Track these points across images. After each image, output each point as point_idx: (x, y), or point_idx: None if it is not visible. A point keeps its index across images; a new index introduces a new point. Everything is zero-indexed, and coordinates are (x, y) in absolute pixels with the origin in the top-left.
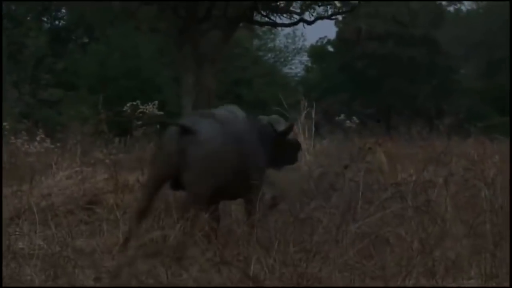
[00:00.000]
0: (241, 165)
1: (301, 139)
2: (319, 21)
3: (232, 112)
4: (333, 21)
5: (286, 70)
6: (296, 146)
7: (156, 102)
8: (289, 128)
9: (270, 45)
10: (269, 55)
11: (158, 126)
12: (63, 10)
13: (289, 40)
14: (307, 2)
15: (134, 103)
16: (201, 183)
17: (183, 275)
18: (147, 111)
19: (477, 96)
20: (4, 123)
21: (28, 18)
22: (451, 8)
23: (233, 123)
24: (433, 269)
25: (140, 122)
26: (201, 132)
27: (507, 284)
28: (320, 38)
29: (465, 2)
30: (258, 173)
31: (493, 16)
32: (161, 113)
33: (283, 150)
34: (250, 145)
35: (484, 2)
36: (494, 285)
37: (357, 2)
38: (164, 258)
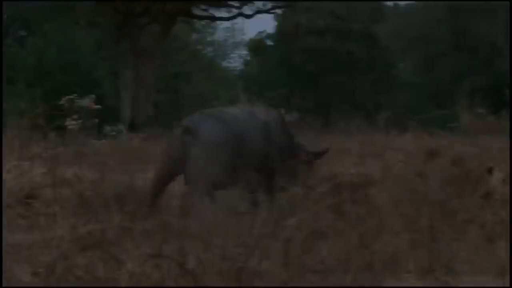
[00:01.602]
0: (241, 161)
1: None
2: (258, 15)
3: (250, 114)
4: (272, 15)
5: (225, 64)
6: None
7: (93, 96)
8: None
9: (209, 39)
10: (208, 49)
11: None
12: None
13: (228, 34)
14: None
15: (71, 97)
16: (200, 179)
17: (121, 269)
18: (84, 105)
19: (415, 90)
20: None
21: None
22: (390, 3)
23: (239, 122)
24: (372, 263)
25: (76, 116)
26: (201, 133)
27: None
28: (259, 32)
29: None
30: (265, 168)
31: (431, 11)
32: (99, 107)
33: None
34: (255, 143)
35: None
36: (431, 279)
37: None
38: (102, 252)
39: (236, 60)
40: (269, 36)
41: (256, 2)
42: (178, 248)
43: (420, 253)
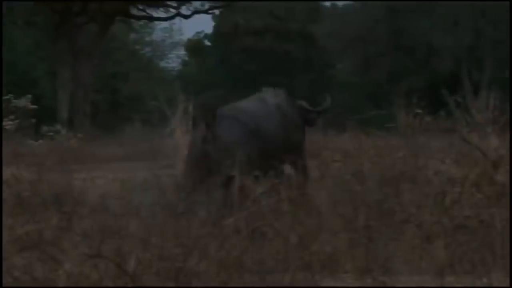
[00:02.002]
0: (265, 150)
1: (178, 133)
2: (196, 15)
3: (261, 101)
4: (210, 16)
5: (163, 64)
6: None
7: (30, 96)
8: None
9: (147, 39)
10: (146, 49)
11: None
12: None
13: (166, 34)
14: None
15: (7, 97)
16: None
17: (59, 270)
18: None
19: (352, 90)
20: None
21: None
22: (328, 3)
23: (256, 117)
24: (310, 263)
25: (13, 116)
26: (221, 138)
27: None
28: (197, 33)
29: None
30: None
31: (368, 12)
32: (36, 107)
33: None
34: (272, 129)
35: None
36: (369, 279)
37: None
38: (40, 253)
39: (174, 61)
40: (207, 36)
41: (194, 3)
42: (116, 248)
43: (357, 253)
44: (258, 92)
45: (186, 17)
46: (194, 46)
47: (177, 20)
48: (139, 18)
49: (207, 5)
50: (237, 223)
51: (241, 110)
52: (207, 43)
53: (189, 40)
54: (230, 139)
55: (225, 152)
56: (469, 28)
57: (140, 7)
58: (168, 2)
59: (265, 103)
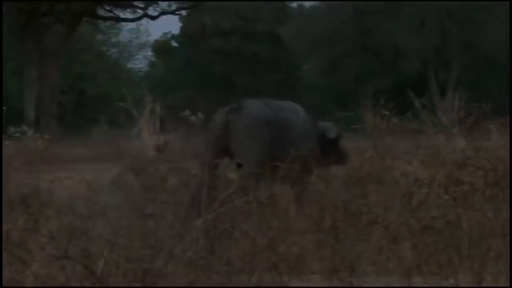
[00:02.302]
0: (282, 147)
1: (145, 134)
2: (163, 16)
3: (292, 106)
4: (177, 16)
5: (130, 65)
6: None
7: None
8: (339, 136)
9: (114, 40)
10: (113, 50)
11: None
12: None
13: (133, 35)
14: None
15: None
16: (247, 151)
17: (25, 271)
18: None
19: (319, 91)
20: None
21: None
22: (294, 4)
23: (284, 111)
24: (277, 265)
25: None
26: (245, 109)
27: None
28: (164, 33)
29: None
30: (301, 160)
31: (335, 13)
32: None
33: (333, 153)
34: (296, 133)
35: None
36: (336, 280)
37: None
38: (6, 254)
39: (141, 61)
40: (174, 37)
41: (161, 3)
42: (83, 249)
43: (324, 254)
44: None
45: (153, 18)
46: (161, 47)
47: (144, 21)
48: (106, 19)
49: (174, 6)
50: (204, 224)
51: (273, 103)
52: (174, 44)
53: (156, 41)
54: (256, 113)
55: (250, 123)
56: (436, 29)
57: (107, 8)
58: (135, 3)
59: (296, 111)
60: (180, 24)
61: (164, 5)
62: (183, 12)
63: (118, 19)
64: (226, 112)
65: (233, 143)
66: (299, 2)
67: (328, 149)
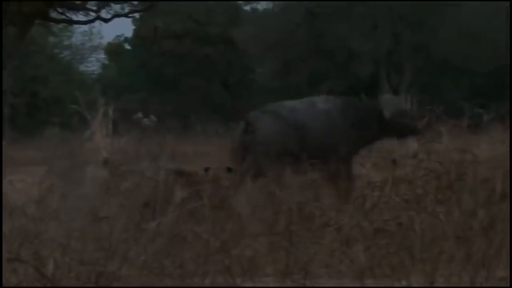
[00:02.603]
0: (303, 151)
1: (98, 137)
2: (116, 19)
3: (310, 104)
4: (130, 19)
5: (82, 67)
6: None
7: None
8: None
9: (67, 42)
10: (65, 52)
11: None
12: None
13: (86, 38)
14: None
15: None
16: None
17: None
18: None
19: (273, 94)
20: None
21: None
22: (248, 7)
23: (297, 113)
24: (231, 267)
25: None
26: (260, 131)
27: (304, 280)
28: (117, 36)
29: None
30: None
31: (288, 16)
32: None
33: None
34: (315, 131)
35: (279, 2)
36: (289, 282)
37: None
38: None
39: (93, 64)
40: (127, 40)
41: (113, 6)
42: (35, 252)
43: (278, 256)
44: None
45: (106, 20)
46: (113, 50)
47: (97, 23)
48: (58, 21)
49: (127, 9)
50: (159, 227)
51: (284, 106)
52: (127, 46)
53: (109, 43)
54: (268, 131)
55: (262, 143)
56: (388, 32)
57: (60, 10)
58: (88, 6)
59: (313, 106)
60: (133, 27)
61: (117, 7)
62: (136, 15)
63: (71, 22)
64: (241, 133)
65: (250, 159)
66: (253, 6)
67: (385, 126)
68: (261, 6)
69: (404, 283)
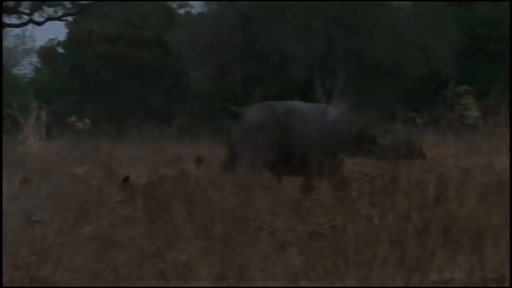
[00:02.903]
0: (287, 145)
1: (31, 140)
2: (49, 22)
3: (319, 109)
4: (63, 22)
5: (15, 71)
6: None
7: None
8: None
9: None
10: None
11: None
12: None
13: (19, 41)
14: (36, 3)
15: None
16: (243, 157)
17: None
18: None
19: (207, 98)
20: None
21: None
22: (182, 11)
23: (296, 114)
24: (165, 271)
25: None
26: (245, 117)
27: (239, 284)
28: (50, 39)
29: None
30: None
31: (222, 20)
32: None
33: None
34: (310, 136)
35: (213, 6)
36: (224, 285)
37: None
38: None
39: (26, 67)
40: (60, 43)
41: (47, 9)
42: None
43: (213, 260)
44: None
45: (39, 24)
46: (47, 53)
47: (30, 26)
48: None
49: (60, 12)
50: (93, 231)
51: (288, 105)
52: (60, 50)
53: (42, 47)
54: (252, 119)
55: (244, 129)
56: (322, 36)
57: None
58: (21, 9)
59: (322, 111)
60: (66, 30)
61: (50, 11)
62: (69, 18)
63: (4, 25)
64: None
65: (234, 147)
66: (187, 9)
67: (372, 145)
68: (195, 9)
69: (338, 286)
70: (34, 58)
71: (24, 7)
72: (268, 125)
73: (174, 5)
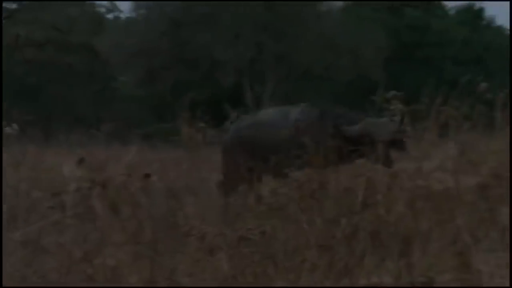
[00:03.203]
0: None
1: None
2: None
3: (277, 112)
4: None
5: None
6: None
7: None
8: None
9: None
10: None
11: None
12: None
13: None
14: None
15: None
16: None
17: None
18: None
19: (136, 103)
20: None
21: None
22: (110, 16)
23: (263, 124)
24: (93, 276)
25: None
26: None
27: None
28: None
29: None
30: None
31: (151, 25)
32: None
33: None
34: (274, 141)
35: (142, 11)
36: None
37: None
38: None
39: None
40: None
41: None
42: None
43: (142, 265)
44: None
45: None
46: None
47: None
48: None
49: None
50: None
51: (249, 118)
52: None
53: None
54: (224, 141)
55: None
56: (251, 42)
57: None
58: None
59: (284, 116)
60: None
61: None
62: None
63: None
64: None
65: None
66: (115, 14)
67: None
68: (123, 14)
69: None
70: None
71: None
72: (233, 146)
73: (102, 9)
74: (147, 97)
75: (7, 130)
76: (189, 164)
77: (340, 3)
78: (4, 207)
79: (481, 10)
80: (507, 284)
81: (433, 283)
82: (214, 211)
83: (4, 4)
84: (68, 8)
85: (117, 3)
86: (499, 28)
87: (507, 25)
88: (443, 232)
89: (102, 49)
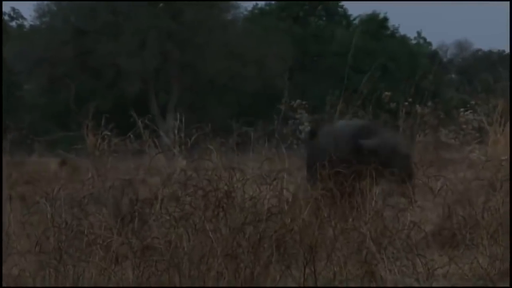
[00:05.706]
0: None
1: None
2: None
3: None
4: None
5: None
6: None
7: None
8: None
9: None
10: None
11: None
12: None
13: None
14: None
15: None
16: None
17: None
18: None
19: (40, 111)
20: None
21: None
22: (13, 23)
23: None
24: None
25: None
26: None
27: None
28: None
29: (28, 18)
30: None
31: (54, 33)
32: None
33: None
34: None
35: (46, 19)
36: None
37: None
38: None
39: None
40: None
41: None
42: None
43: (46, 275)
44: None
45: None
46: None
47: None
48: None
49: None
50: None
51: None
52: None
53: None
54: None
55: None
56: (156, 51)
57: None
58: None
59: (345, 129)
60: None
61: None
62: None
63: None
64: None
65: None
66: (19, 22)
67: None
68: (27, 22)
69: None
70: None
71: None
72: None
73: (5, 17)
74: (51, 105)
75: None
76: (93, 172)
77: (245, 13)
78: None
79: (385, 19)
80: None
81: None
82: (120, 220)
83: None
84: None
85: (21, 10)
86: (403, 38)
87: (411, 35)
88: (348, 240)
89: (7, 57)
